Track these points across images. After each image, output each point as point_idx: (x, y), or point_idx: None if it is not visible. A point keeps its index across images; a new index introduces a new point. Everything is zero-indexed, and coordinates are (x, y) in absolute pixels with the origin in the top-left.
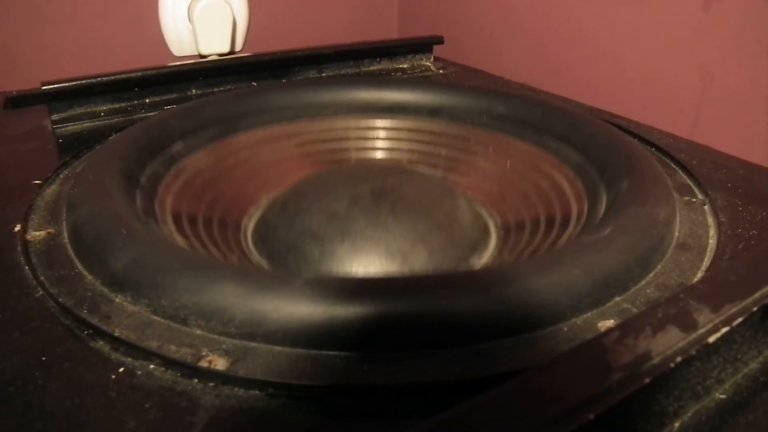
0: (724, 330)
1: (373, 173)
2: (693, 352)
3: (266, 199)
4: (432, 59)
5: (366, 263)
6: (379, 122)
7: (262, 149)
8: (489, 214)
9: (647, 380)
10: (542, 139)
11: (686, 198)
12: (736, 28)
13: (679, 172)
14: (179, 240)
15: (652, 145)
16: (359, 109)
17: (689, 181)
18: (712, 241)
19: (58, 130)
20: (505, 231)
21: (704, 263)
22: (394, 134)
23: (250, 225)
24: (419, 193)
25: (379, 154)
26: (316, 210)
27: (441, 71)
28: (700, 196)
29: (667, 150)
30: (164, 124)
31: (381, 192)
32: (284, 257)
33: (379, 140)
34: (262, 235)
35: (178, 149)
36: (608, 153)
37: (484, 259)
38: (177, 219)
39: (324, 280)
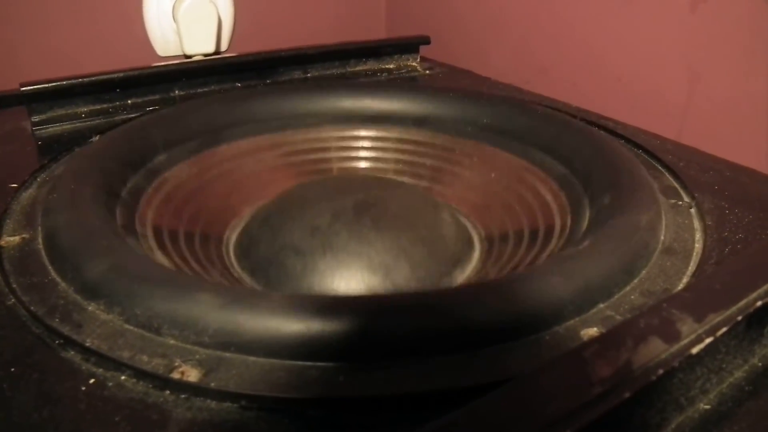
0: (708, 340)
1: (355, 185)
2: (676, 364)
3: (249, 210)
4: (418, 59)
5: (348, 278)
6: (364, 132)
7: (246, 160)
8: (473, 225)
9: (628, 394)
10: (527, 150)
11: (672, 201)
12: (724, 28)
13: (666, 174)
14: (160, 256)
15: (638, 146)
16: (344, 119)
17: (676, 184)
18: (698, 245)
19: (37, 132)
20: (489, 243)
21: (690, 268)
22: (378, 144)
23: (232, 238)
24: (402, 206)
25: (363, 165)
26: (298, 224)
27: (428, 72)
28: (686, 198)
29: (654, 152)
30: (146, 134)
31: (363, 205)
32: (266, 271)
33: (364, 150)
34: (244, 249)
35: (160, 161)
36: (593, 165)
37: (467, 272)
38: (158, 233)
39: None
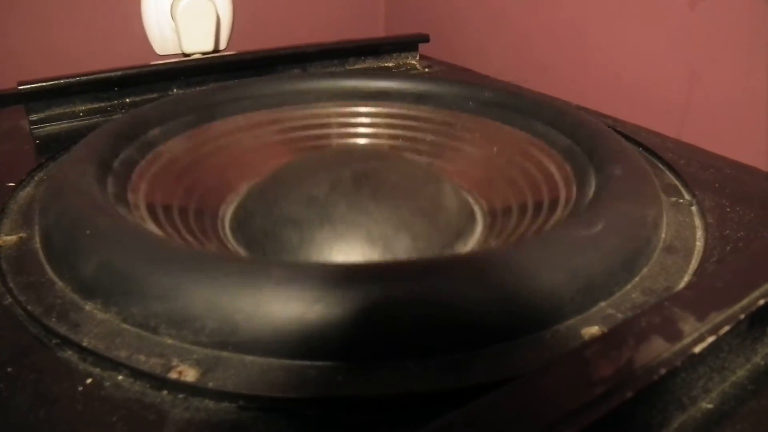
0: (711, 339)
1: (354, 158)
2: (678, 363)
3: (246, 186)
4: (418, 57)
5: (346, 249)
6: (363, 108)
7: (242, 136)
8: (475, 200)
9: (630, 394)
10: (530, 124)
11: (673, 199)
12: (723, 26)
13: (666, 172)
14: (152, 227)
15: (639, 144)
16: (343, 96)
17: (676, 182)
18: (700, 243)
19: (35, 131)
20: (492, 217)
21: (691, 266)
22: (378, 120)
23: (228, 212)
24: (402, 178)
25: (362, 141)
26: (295, 195)
27: (427, 69)
28: (687, 196)
29: (654, 150)
30: (140, 111)
31: (362, 176)
32: (262, 244)
33: (363, 126)
34: (239, 222)
35: (155, 135)
36: (597, 138)
37: (469, 245)
38: (151, 206)
39: (296, 285)
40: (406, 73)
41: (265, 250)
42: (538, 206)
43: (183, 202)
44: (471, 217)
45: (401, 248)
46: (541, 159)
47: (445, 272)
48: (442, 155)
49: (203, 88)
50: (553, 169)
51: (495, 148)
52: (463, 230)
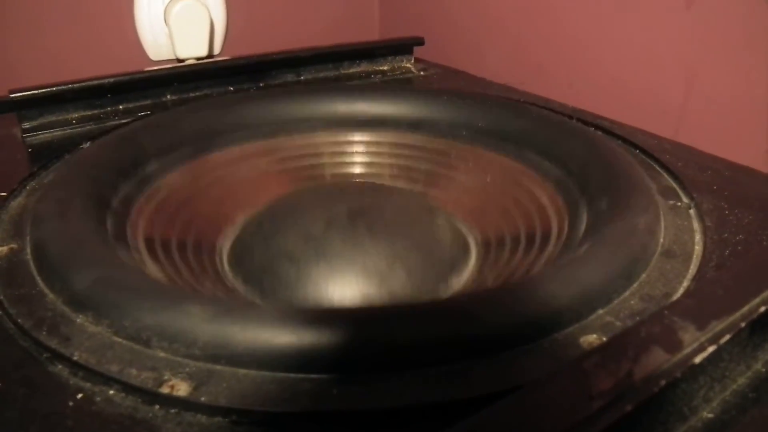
0: (711, 349)
1: (349, 192)
2: (678, 374)
3: (243, 217)
4: (413, 61)
5: (343, 285)
6: (358, 137)
7: (239, 167)
8: (469, 230)
9: (629, 407)
10: (523, 153)
11: (671, 202)
12: (720, 26)
13: (664, 174)
14: (152, 268)
15: (635, 146)
16: (337, 124)
17: (674, 184)
18: (698, 247)
19: (27, 139)
20: (486, 248)
21: (690, 271)
22: (372, 149)
23: (225, 245)
24: (397, 212)
25: (357, 170)
26: (292, 231)
27: (422, 73)
28: (685, 199)
29: (652, 152)
30: (137, 141)
31: (358, 211)
32: (259, 280)
33: (358, 155)
34: (237, 257)
35: (152, 169)
36: (589, 168)
37: (464, 278)
38: (150, 243)
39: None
40: (400, 92)
41: (262, 285)
42: (530, 238)
43: (181, 236)
44: (465, 249)
45: (396, 283)
46: (533, 190)
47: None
48: (436, 184)
49: (197, 106)
50: (545, 200)
51: (488, 178)
52: (457, 262)
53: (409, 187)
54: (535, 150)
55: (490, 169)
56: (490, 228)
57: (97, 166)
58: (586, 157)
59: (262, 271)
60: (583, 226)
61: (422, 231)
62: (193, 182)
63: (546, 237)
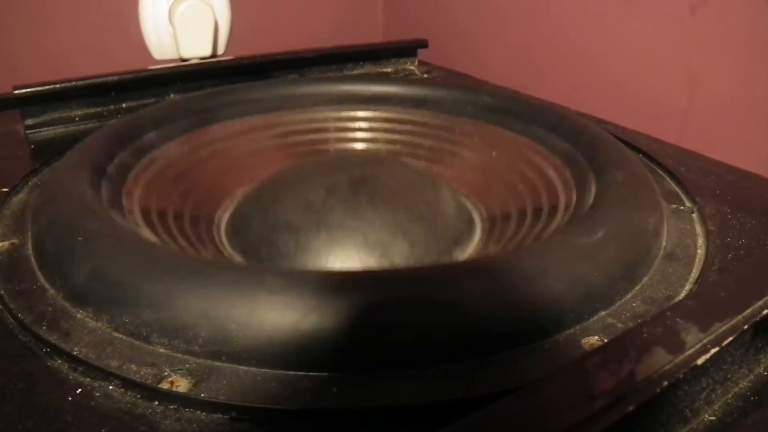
0: (714, 350)
1: (351, 163)
2: (680, 375)
3: (242, 191)
4: (416, 63)
5: (343, 256)
6: (361, 113)
7: (239, 140)
8: (474, 205)
9: (631, 408)
10: (529, 129)
11: (674, 206)
12: (724, 31)
13: (667, 179)
14: (147, 233)
15: (639, 150)
16: (340, 100)
17: (677, 188)
18: (701, 251)
19: (30, 136)
20: (491, 222)
21: (692, 274)
22: (376, 125)
23: (224, 218)
24: (400, 184)
25: (360, 145)
26: (292, 200)
27: (425, 75)
28: (688, 203)
29: (655, 156)
30: (136, 115)
31: (359, 181)
32: (258, 250)
33: (361, 131)
34: (235, 228)
35: (150, 139)
36: (597, 142)
37: (468, 251)
38: (146, 211)
39: (291, 293)
40: (404, 78)
41: (261, 256)
42: (537, 212)
43: (178, 207)
44: (469, 223)
45: (398, 255)
46: (540, 164)
47: (443, 280)
48: (440, 160)
49: (200, 92)
50: (552, 174)
51: (494, 153)
52: (461, 236)
53: (413, 163)
54: (541, 125)
55: (495, 144)
56: (496, 203)
57: (94, 143)
58: (595, 133)
59: (260, 240)
60: (591, 198)
61: (425, 203)
62: (191, 154)
63: (553, 210)
